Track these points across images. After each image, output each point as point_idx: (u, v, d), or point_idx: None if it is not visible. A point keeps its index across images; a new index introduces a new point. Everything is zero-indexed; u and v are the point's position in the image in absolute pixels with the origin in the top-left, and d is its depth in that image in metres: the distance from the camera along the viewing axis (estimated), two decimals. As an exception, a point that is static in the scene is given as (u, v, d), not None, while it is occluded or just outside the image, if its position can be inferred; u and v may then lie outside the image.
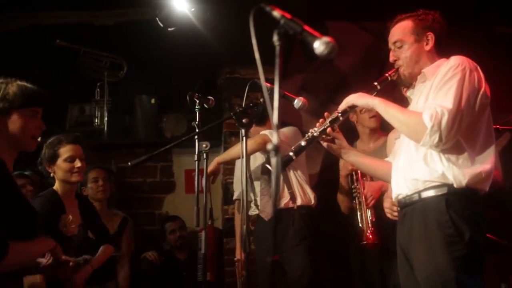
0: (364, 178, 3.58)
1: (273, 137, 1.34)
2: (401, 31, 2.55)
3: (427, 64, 2.51)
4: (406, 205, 2.43)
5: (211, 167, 3.52)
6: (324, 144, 2.64)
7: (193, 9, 3.79)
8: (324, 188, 4.09)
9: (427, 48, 2.51)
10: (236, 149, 3.59)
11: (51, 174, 3.07)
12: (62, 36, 4.53)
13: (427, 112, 2.26)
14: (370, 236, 3.38)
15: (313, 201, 3.91)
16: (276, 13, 1.48)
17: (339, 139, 2.63)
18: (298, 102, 2.80)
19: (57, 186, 3.08)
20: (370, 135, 3.85)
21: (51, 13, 4.45)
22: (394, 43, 2.56)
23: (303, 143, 2.53)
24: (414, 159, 2.39)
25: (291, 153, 2.51)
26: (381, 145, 3.71)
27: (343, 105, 2.54)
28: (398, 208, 2.56)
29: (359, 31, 4.75)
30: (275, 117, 1.37)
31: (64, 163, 3.02)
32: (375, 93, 2.58)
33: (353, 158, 2.70)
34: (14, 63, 4.52)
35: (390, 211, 3.02)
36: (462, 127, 2.27)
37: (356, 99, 2.50)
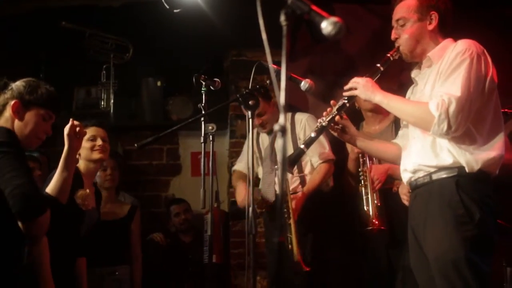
0: (371, 161, 3.55)
1: (280, 118, 1.33)
2: (405, 8, 2.52)
3: (430, 44, 2.49)
4: (417, 187, 2.45)
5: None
6: (334, 133, 2.67)
7: (199, -9, 3.76)
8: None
9: (430, 27, 2.49)
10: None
11: (77, 156, 3.14)
12: (68, 18, 4.51)
13: (433, 101, 2.26)
14: (376, 222, 3.35)
15: (328, 186, 3.90)
16: (284, -8, 1.47)
17: (347, 126, 2.64)
18: (305, 84, 2.79)
19: (80, 164, 3.18)
20: (373, 117, 3.79)
21: (56, -5, 4.43)
22: (397, 20, 2.54)
23: (313, 135, 2.56)
24: (425, 146, 2.41)
25: (302, 146, 2.55)
26: (387, 126, 3.67)
27: (347, 92, 2.55)
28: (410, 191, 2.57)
29: (366, 13, 4.71)
30: (282, 99, 1.36)
31: (86, 142, 3.14)
32: (379, 75, 2.58)
33: (361, 143, 2.72)
34: (21, 46, 4.53)
35: (407, 197, 3.02)
36: (471, 114, 2.27)
37: (359, 91, 2.51)
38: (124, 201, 4.31)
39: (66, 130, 2.62)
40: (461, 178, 2.30)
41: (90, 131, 3.17)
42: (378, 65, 2.59)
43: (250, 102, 2.56)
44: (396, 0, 2.57)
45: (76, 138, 2.65)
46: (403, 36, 2.51)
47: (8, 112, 2.37)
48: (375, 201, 3.41)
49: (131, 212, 4.08)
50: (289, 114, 3.92)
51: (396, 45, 2.56)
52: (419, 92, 2.54)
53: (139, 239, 4.17)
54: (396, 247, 3.45)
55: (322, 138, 3.81)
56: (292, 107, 4.12)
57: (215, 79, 2.96)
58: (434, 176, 2.37)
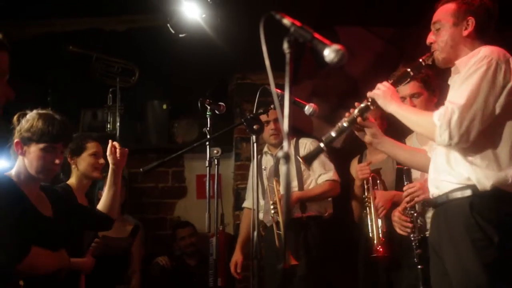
0: (376, 187, 3.49)
1: (284, 145, 1.35)
2: (443, 12, 2.40)
3: (464, 50, 2.36)
4: (437, 206, 2.38)
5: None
6: (358, 133, 2.55)
7: (204, 16, 3.80)
8: (338, 197, 4.05)
9: (465, 33, 2.35)
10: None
11: (72, 166, 3.15)
12: (75, 42, 4.57)
13: (437, 111, 2.20)
14: (380, 249, 3.27)
15: (327, 213, 3.90)
16: (286, 21, 1.48)
17: (371, 128, 2.51)
18: (309, 108, 2.78)
19: (72, 180, 3.15)
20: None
21: (64, 20, 4.50)
22: (434, 24, 2.42)
23: (333, 134, 2.41)
24: (441, 160, 2.33)
25: (321, 144, 2.41)
26: (387, 156, 3.49)
27: (370, 93, 2.45)
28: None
29: (370, 36, 4.74)
30: (285, 125, 1.37)
31: (89, 157, 3.14)
32: (408, 80, 2.51)
33: (387, 148, 2.60)
34: (28, 69, 4.58)
35: (399, 225, 3.00)
36: (479, 123, 2.15)
37: (378, 97, 2.41)
38: (128, 219, 4.30)
39: (108, 151, 2.75)
40: (475, 199, 2.19)
41: (93, 146, 3.16)
42: (409, 69, 2.48)
43: (254, 127, 2.57)
44: (439, 3, 2.45)
45: (116, 156, 2.76)
46: (438, 41, 2.40)
47: None
48: (380, 228, 3.35)
49: (134, 233, 4.08)
50: (293, 139, 3.94)
51: (432, 50, 2.44)
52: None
53: (138, 260, 4.17)
54: (398, 270, 3.40)
55: (327, 160, 3.82)
56: (297, 130, 4.13)
57: (220, 103, 2.97)
58: (450, 196, 2.27)
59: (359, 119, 2.44)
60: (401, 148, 2.67)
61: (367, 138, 2.54)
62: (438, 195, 2.35)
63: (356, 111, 2.44)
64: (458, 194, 2.24)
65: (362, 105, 2.45)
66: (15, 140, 2.42)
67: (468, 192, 2.22)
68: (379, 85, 2.45)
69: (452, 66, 2.44)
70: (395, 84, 2.47)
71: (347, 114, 2.47)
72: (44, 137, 2.41)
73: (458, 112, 2.13)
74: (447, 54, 2.39)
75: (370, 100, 2.44)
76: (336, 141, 2.52)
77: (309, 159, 2.48)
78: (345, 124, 2.43)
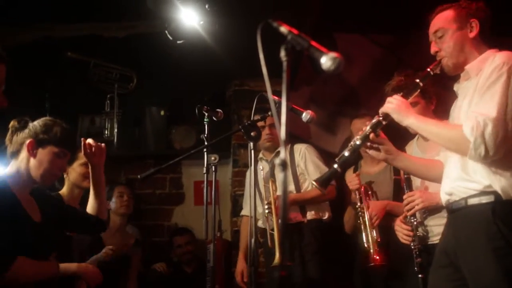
0: (368, 198, 3.47)
1: (281, 152, 1.35)
2: (442, 19, 2.38)
3: (473, 54, 2.34)
4: (453, 211, 2.33)
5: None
6: (370, 151, 2.51)
7: (202, 22, 3.81)
8: (334, 202, 4.06)
9: (472, 35, 2.33)
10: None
11: (64, 176, 3.14)
12: (73, 48, 4.58)
13: (468, 124, 2.13)
14: (377, 258, 3.26)
15: (326, 215, 3.90)
16: (283, 29, 1.48)
17: (384, 145, 2.48)
18: (306, 115, 2.79)
19: (64, 190, 3.15)
20: (372, 158, 3.56)
21: (62, 26, 4.50)
22: (435, 32, 2.39)
23: (346, 154, 2.39)
24: (456, 168, 2.30)
25: (335, 166, 2.38)
26: (385, 167, 3.58)
27: (382, 108, 2.42)
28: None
29: (368, 43, 4.76)
30: (282, 132, 1.37)
31: (80, 166, 3.13)
32: (418, 91, 2.48)
33: (402, 163, 2.56)
34: (27, 75, 4.59)
35: (400, 233, 2.98)
36: (510, 134, 2.12)
37: (392, 111, 2.37)
38: (131, 233, 4.30)
39: (82, 150, 2.68)
40: (497, 205, 2.15)
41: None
42: (417, 80, 2.45)
43: (252, 133, 2.57)
44: (433, 14, 2.44)
45: (93, 155, 2.68)
46: (445, 48, 2.37)
47: (24, 151, 2.42)
48: (375, 237, 3.34)
49: (135, 248, 4.07)
50: (288, 145, 3.93)
51: (438, 58, 2.41)
52: (457, 107, 2.40)
53: (135, 274, 4.16)
54: (395, 279, 3.39)
55: (322, 164, 3.83)
56: (292, 137, 4.13)
57: (218, 109, 2.98)
58: (470, 201, 2.22)
59: (371, 136, 2.41)
60: (416, 162, 2.62)
61: (381, 155, 2.50)
62: (454, 200, 2.31)
63: (368, 127, 2.42)
64: (478, 200, 2.20)
65: (374, 121, 2.42)
66: (28, 140, 2.40)
67: (489, 198, 2.18)
68: (390, 99, 2.41)
69: (460, 72, 2.41)
70: (406, 96, 2.44)
71: (360, 132, 2.45)
72: (61, 142, 2.44)
73: (492, 124, 2.08)
74: (456, 59, 2.37)
75: (382, 115, 2.41)
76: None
77: (323, 182, 2.44)
78: (358, 142, 2.41)
